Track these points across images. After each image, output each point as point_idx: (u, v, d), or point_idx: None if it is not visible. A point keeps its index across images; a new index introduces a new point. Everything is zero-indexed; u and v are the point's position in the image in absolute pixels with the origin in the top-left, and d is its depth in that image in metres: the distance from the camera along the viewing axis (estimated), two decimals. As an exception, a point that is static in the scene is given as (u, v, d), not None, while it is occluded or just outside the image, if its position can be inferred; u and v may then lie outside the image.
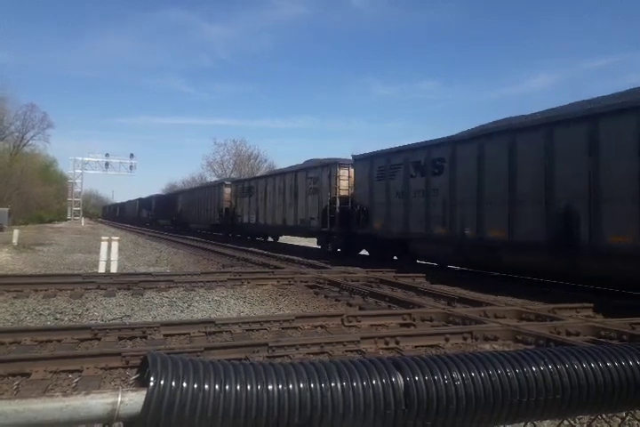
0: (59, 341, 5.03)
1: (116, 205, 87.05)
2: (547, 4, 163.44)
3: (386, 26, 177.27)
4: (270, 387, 0.69)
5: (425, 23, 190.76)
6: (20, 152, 54.99)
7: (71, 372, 4.10)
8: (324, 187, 16.75)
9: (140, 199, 57.33)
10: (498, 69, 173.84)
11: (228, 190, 27.01)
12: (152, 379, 0.65)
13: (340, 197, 15.93)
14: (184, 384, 0.65)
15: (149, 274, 9.76)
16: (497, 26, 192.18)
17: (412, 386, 0.74)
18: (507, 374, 0.78)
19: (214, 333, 5.52)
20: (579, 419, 2.65)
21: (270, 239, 24.92)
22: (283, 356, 4.64)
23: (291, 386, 0.69)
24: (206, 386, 0.66)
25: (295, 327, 5.84)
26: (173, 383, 0.65)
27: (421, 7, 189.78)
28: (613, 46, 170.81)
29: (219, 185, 28.69)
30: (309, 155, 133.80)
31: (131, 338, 5.21)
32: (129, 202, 67.21)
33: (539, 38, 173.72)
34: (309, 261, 14.43)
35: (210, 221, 29.24)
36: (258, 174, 36.55)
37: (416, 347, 5.13)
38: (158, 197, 47.59)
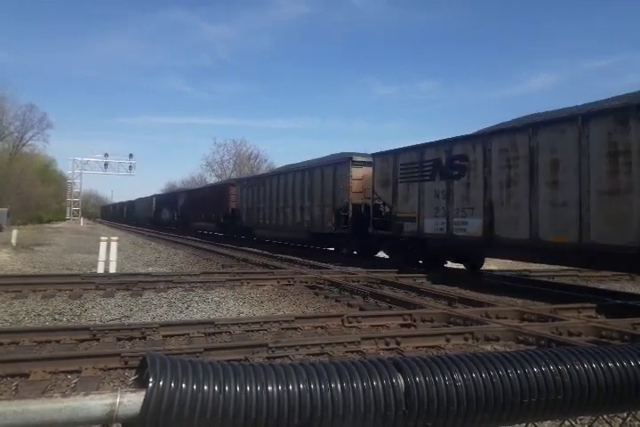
0: (57, 341, 5.02)
1: (121, 204, 73.08)
2: (547, 4, 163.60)
3: (386, 26, 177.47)
4: (270, 388, 0.68)
5: (425, 23, 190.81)
6: (19, 152, 55.04)
7: (70, 373, 4.10)
8: None
9: (159, 196, 46.97)
10: (498, 69, 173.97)
11: (358, 172, 14.61)
12: (151, 380, 0.64)
13: None
14: (183, 385, 0.65)
15: (148, 274, 9.76)
16: (497, 26, 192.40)
17: (413, 387, 0.73)
18: (508, 375, 0.78)
19: (214, 333, 5.52)
20: (580, 419, 2.64)
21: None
22: (282, 357, 4.63)
23: (290, 387, 0.69)
24: (205, 387, 0.66)
25: (295, 328, 5.83)
26: (172, 384, 0.65)
27: (421, 7, 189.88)
28: (613, 46, 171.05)
29: (336, 164, 15.67)
30: (310, 155, 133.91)
31: (130, 339, 5.21)
32: (141, 200, 54.70)
33: (539, 38, 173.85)
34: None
35: (309, 228, 16.98)
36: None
37: (417, 348, 5.12)
38: (190, 193, 35.23)
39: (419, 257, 12.58)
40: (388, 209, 13.10)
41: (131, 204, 61.86)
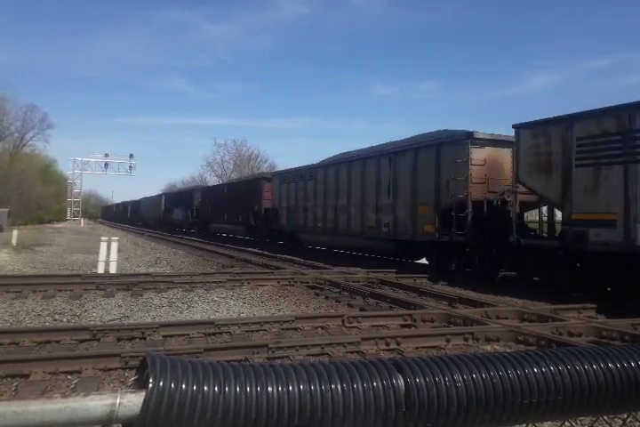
0: (57, 342, 5.02)
1: (125, 204, 69.81)
2: (547, 4, 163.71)
3: (386, 26, 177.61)
4: (270, 389, 0.68)
5: (425, 23, 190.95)
6: (19, 152, 55.05)
7: (70, 373, 4.10)
8: None
9: (167, 194, 43.71)
10: (498, 69, 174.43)
11: (479, 155, 10.62)
12: (151, 380, 0.64)
13: None
14: (183, 386, 0.65)
15: (149, 275, 9.76)
16: (497, 26, 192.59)
17: (413, 388, 0.73)
18: (508, 376, 0.78)
19: (214, 334, 5.52)
20: (580, 420, 2.64)
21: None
22: (282, 357, 4.63)
23: (290, 388, 0.69)
24: (205, 388, 0.66)
25: (295, 328, 5.83)
26: (172, 385, 0.65)
27: (421, 7, 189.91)
28: (613, 46, 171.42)
29: (441, 144, 11.38)
30: (310, 154, 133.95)
31: (130, 339, 5.21)
32: (147, 199, 51.73)
33: (539, 38, 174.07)
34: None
35: (390, 234, 12.83)
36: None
37: (417, 348, 5.12)
38: (209, 189, 31.20)
39: (619, 287, 7.87)
40: (520, 208, 9.56)
41: (135, 203, 58.80)
